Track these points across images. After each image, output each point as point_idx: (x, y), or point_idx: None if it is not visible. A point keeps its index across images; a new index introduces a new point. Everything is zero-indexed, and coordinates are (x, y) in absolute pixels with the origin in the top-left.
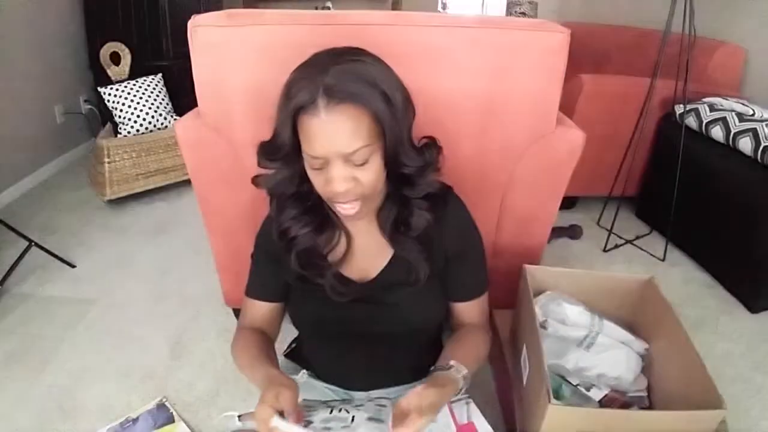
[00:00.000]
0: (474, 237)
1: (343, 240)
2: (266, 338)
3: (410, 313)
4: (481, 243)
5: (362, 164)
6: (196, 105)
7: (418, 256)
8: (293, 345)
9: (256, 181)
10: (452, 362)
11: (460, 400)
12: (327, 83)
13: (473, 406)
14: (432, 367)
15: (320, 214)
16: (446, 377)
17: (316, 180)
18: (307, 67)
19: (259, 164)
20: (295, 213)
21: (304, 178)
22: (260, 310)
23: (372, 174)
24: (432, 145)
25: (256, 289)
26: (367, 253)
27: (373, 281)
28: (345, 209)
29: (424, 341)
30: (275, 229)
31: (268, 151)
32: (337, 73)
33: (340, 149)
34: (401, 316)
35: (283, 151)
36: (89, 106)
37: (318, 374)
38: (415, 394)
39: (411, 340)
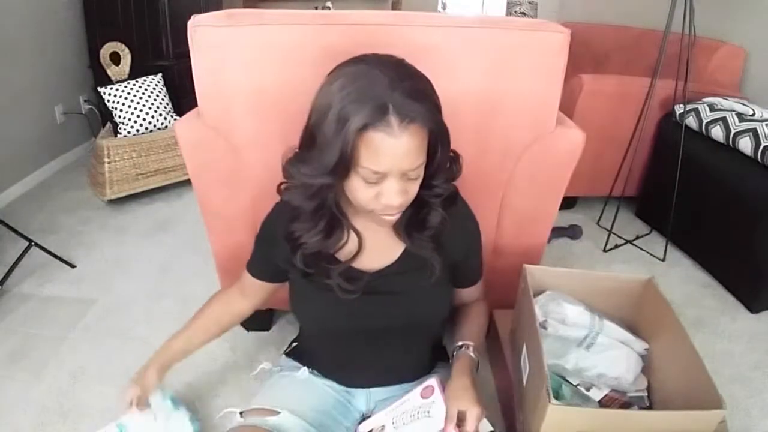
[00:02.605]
0: (477, 230)
1: (354, 238)
2: (236, 301)
3: (418, 304)
4: (480, 233)
5: (414, 179)
6: (196, 105)
7: (431, 253)
8: (294, 344)
9: (280, 190)
10: (462, 342)
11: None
12: (397, 102)
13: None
14: (453, 350)
15: (331, 219)
16: (464, 355)
17: (364, 194)
18: (363, 80)
19: (288, 175)
20: (308, 226)
21: (328, 191)
22: (254, 283)
23: (417, 186)
24: (456, 159)
25: (255, 269)
26: (378, 250)
27: (383, 271)
28: (389, 219)
29: (427, 337)
30: (285, 233)
31: (307, 164)
32: (405, 92)
33: (405, 166)
34: (409, 307)
35: (329, 167)
36: (89, 106)
37: (319, 370)
38: (457, 391)
39: (415, 335)
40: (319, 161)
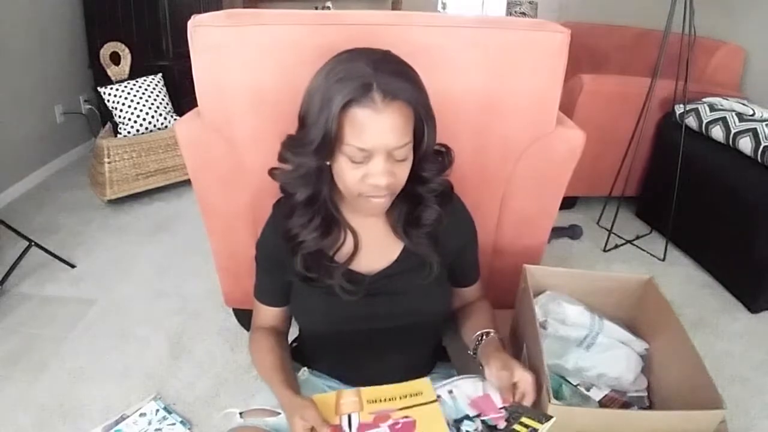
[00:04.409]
0: (474, 228)
1: (350, 239)
2: (280, 341)
3: (419, 303)
4: (475, 228)
5: (401, 160)
6: (196, 105)
7: (429, 251)
8: (294, 344)
9: (272, 173)
10: (482, 331)
11: (472, 377)
12: (381, 80)
13: (488, 383)
14: (476, 339)
15: (327, 216)
16: (491, 339)
17: (351, 174)
18: (348, 63)
19: (281, 158)
20: (304, 220)
21: (320, 179)
22: (270, 313)
23: (406, 170)
24: (446, 153)
25: (264, 295)
26: (375, 250)
27: (383, 273)
28: (377, 203)
29: (427, 336)
30: (282, 231)
31: (296, 144)
32: (388, 72)
33: (390, 143)
34: (411, 306)
35: (314, 144)
36: (89, 106)
37: (319, 370)
38: (503, 364)
39: (416, 334)
40: (306, 141)
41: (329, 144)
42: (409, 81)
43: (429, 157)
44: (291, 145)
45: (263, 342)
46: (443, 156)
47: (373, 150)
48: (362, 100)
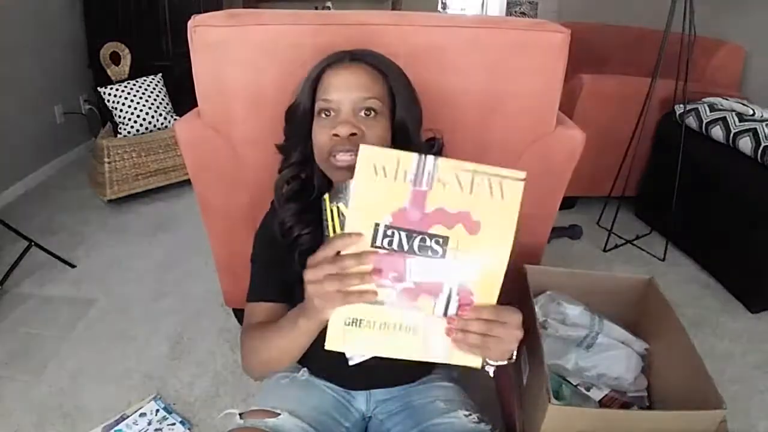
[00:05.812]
0: None
1: None
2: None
3: None
4: None
5: (369, 117)
6: (196, 105)
7: None
8: None
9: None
10: None
11: None
12: (354, 52)
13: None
14: None
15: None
16: None
17: (322, 134)
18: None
19: (280, 149)
20: (295, 208)
21: (310, 168)
22: (265, 312)
23: (376, 132)
24: (436, 141)
25: (258, 292)
26: None
27: None
28: (344, 159)
29: None
30: (278, 224)
31: (286, 116)
32: (363, 50)
33: (354, 94)
34: None
35: (299, 112)
36: (89, 106)
37: (318, 373)
38: None
39: None
40: (289, 111)
41: (310, 108)
42: (383, 58)
43: (413, 139)
44: (287, 113)
45: (253, 330)
46: (434, 142)
47: (338, 102)
48: (333, 64)
